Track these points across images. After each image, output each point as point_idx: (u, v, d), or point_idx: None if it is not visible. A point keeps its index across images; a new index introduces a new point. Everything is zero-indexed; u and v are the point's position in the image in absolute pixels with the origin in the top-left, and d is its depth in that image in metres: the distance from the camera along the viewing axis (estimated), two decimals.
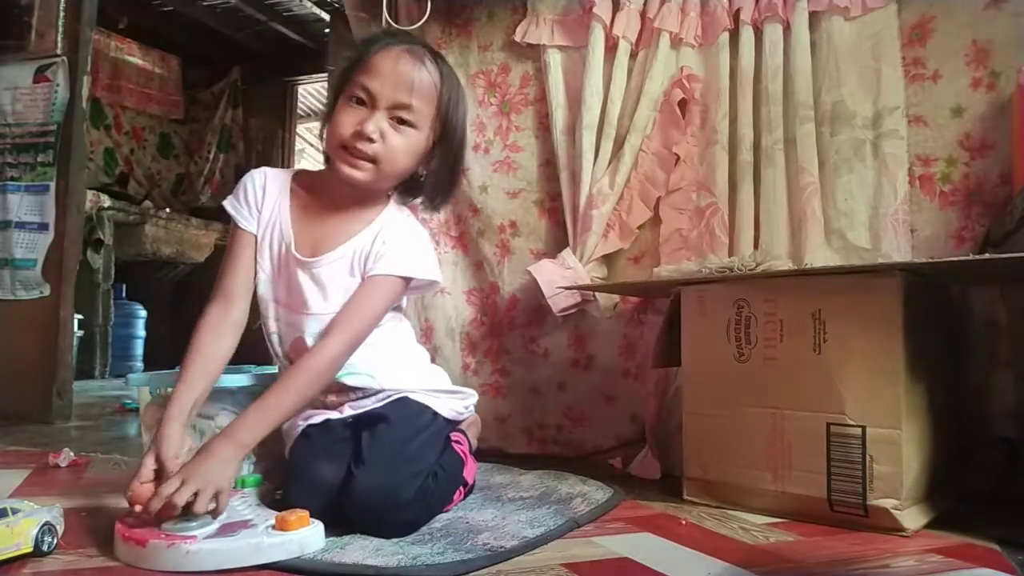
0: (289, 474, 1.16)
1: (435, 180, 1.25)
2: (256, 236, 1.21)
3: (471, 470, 1.28)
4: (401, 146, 1.16)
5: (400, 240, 1.20)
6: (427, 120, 1.18)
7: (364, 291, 1.16)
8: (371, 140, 1.13)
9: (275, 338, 1.23)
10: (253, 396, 1.25)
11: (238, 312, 1.17)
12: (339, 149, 1.15)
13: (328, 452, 1.14)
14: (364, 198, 1.22)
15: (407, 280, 1.20)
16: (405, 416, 1.17)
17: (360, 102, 1.14)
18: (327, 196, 1.22)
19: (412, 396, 1.21)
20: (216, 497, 0.95)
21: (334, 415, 1.20)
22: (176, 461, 1.00)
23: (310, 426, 1.20)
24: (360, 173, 1.15)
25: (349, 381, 1.19)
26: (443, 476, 1.15)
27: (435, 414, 1.22)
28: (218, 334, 1.14)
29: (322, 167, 1.29)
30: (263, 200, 1.21)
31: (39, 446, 1.78)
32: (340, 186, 1.19)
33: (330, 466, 1.11)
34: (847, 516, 1.13)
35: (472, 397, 1.34)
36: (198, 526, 0.93)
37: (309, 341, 1.17)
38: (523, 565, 0.94)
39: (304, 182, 1.24)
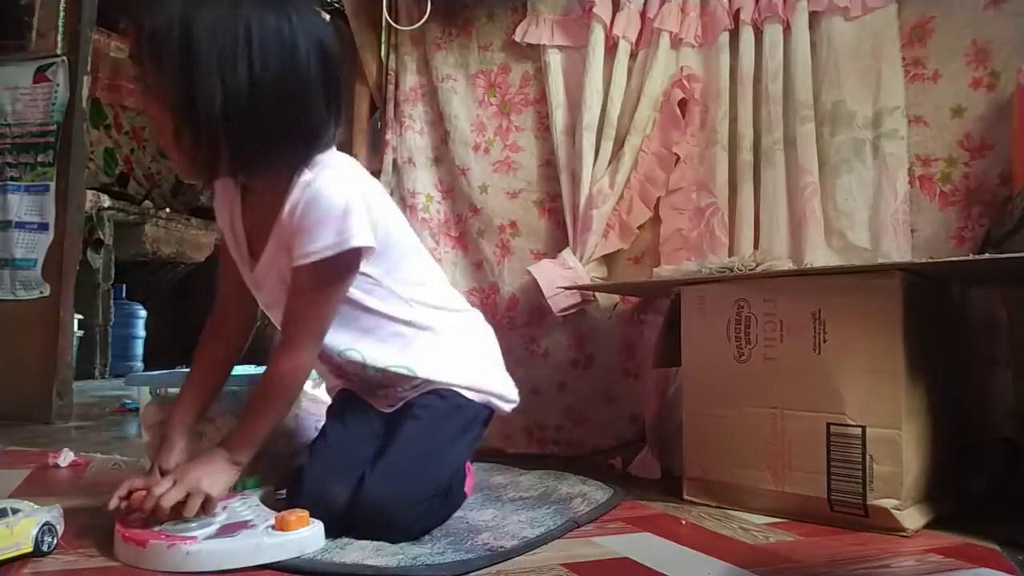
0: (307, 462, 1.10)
1: (230, 134, 0.93)
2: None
3: (470, 484, 1.23)
4: (154, 121, 0.96)
5: (307, 219, 0.98)
6: (150, 75, 0.92)
7: (296, 290, 1.02)
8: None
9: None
10: None
11: (234, 314, 1.16)
12: None
13: (348, 454, 1.09)
14: (271, 182, 1.03)
15: (336, 259, 0.98)
16: (436, 419, 1.11)
17: None
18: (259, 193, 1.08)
19: (458, 390, 1.15)
20: (204, 504, 0.96)
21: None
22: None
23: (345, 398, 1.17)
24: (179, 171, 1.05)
25: (396, 370, 1.13)
26: (451, 495, 1.11)
27: (475, 411, 1.17)
28: (217, 339, 1.14)
29: None
30: (221, 206, 1.13)
31: (39, 446, 1.78)
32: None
33: (340, 482, 1.05)
34: (847, 516, 1.13)
35: (512, 403, 1.26)
36: (198, 526, 0.93)
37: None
38: (523, 565, 0.94)
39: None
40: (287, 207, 1.00)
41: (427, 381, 1.15)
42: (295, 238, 0.99)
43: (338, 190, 1.00)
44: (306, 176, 1.00)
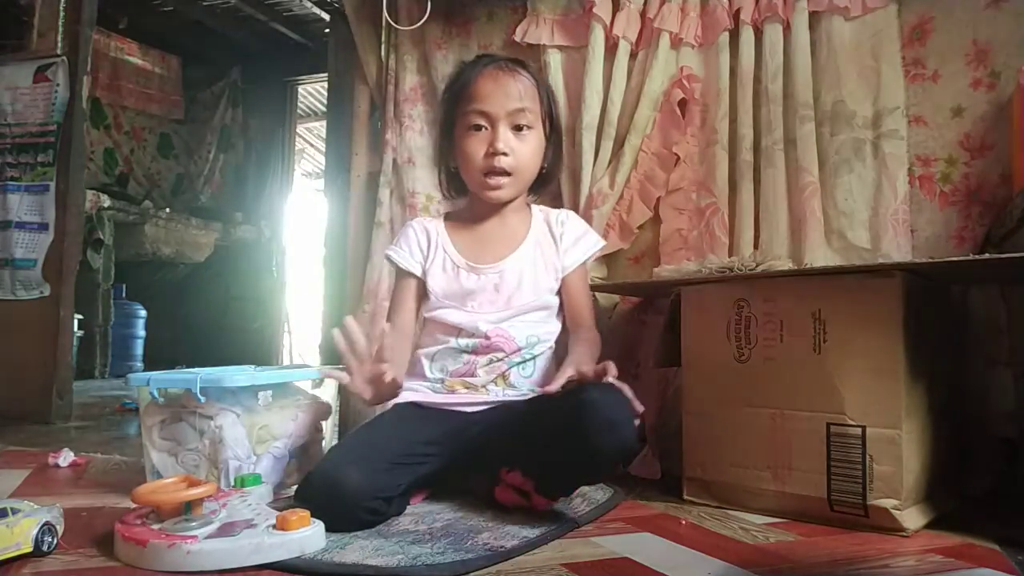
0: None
1: (549, 170, 1.39)
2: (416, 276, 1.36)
3: None
4: (528, 150, 1.31)
5: (570, 227, 1.38)
6: (538, 119, 1.32)
7: (580, 283, 1.36)
8: (504, 154, 1.27)
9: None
10: (253, 395, 1.25)
11: (409, 319, 1.37)
12: (479, 176, 1.30)
13: (375, 447, 1.15)
14: (520, 205, 1.39)
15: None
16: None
17: (478, 127, 1.29)
18: (481, 221, 1.38)
19: None
20: None
21: (467, 408, 1.27)
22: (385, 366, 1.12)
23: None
24: (503, 191, 1.31)
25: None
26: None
27: None
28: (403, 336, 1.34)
29: (448, 208, 1.50)
30: (427, 243, 1.37)
31: (39, 446, 1.78)
32: (490, 210, 1.36)
33: (356, 468, 1.08)
34: (847, 516, 1.13)
35: None
36: (198, 525, 0.93)
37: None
38: (523, 565, 0.94)
39: (455, 220, 1.41)
40: (546, 221, 1.38)
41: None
42: (567, 242, 1.36)
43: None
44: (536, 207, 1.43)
